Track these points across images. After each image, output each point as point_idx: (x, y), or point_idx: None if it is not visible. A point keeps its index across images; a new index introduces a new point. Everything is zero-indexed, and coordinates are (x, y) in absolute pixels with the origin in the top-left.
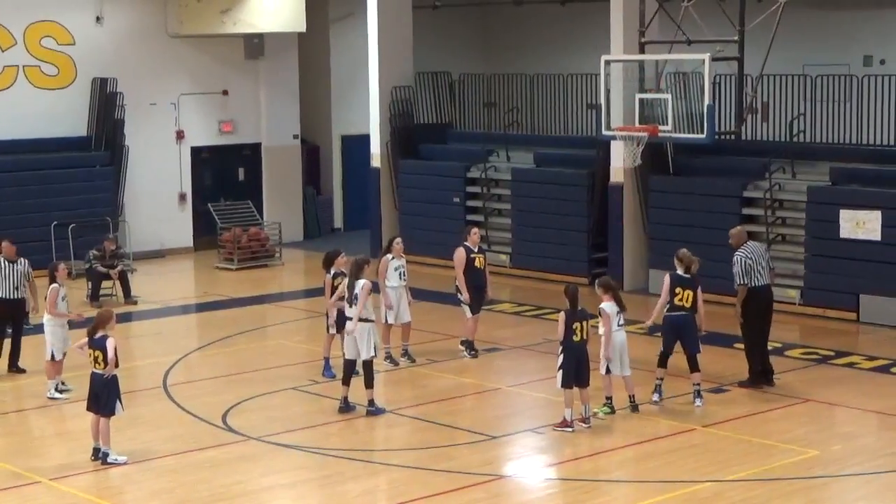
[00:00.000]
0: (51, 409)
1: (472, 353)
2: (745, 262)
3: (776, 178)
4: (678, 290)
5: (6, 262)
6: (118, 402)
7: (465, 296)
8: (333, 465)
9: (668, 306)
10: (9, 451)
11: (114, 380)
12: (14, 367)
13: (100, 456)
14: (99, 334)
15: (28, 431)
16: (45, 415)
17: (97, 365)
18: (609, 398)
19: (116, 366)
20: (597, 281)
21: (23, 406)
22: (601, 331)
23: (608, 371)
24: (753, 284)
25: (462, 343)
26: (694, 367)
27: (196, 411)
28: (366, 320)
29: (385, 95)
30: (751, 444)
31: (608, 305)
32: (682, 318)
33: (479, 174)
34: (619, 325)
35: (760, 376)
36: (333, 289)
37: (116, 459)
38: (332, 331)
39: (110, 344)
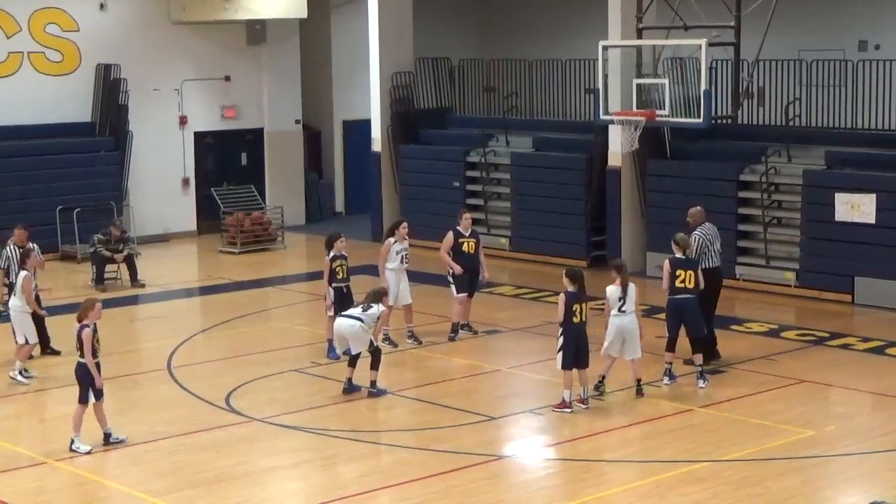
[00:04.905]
0: (56, 391)
1: (451, 336)
2: (702, 241)
3: (772, 162)
4: (679, 272)
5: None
6: (90, 391)
7: (455, 268)
8: (335, 446)
9: (670, 289)
10: (16, 433)
11: (84, 369)
12: (48, 350)
13: (111, 441)
14: (82, 322)
15: (34, 413)
16: (51, 397)
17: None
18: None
19: (95, 356)
20: (611, 263)
21: (30, 388)
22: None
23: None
24: (703, 265)
25: (451, 327)
26: (696, 349)
27: (200, 393)
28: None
29: (386, 81)
30: (747, 425)
31: (611, 289)
32: (684, 300)
33: (479, 159)
34: (620, 310)
35: (706, 353)
36: (332, 272)
37: (79, 448)
38: (331, 313)
39: (85, 335)
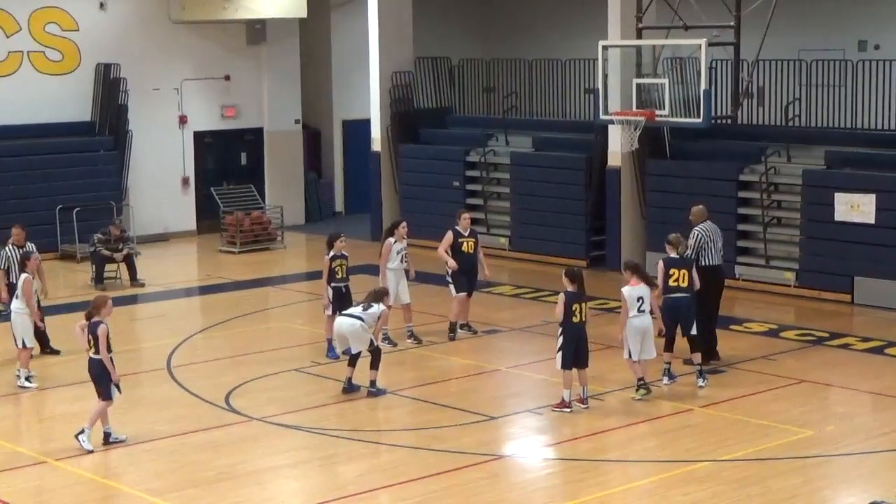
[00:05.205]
0: (55, 391)
1: (451, 335)
2: (701, 238)
3: (772, 162)
4: (673, 271)
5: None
6: (113, 386)
7: (450, 262)
8: (334, 446)
9: (664, 289)
10: (15, 432)
11: (99, 366)
12: (47, 349)
13: (110, 441)
14: (94, 319)
15: (34, 413)
16: (51, 396)
17: (91, 349)
18: (640, 380)
19: (109, 351)
20: (624, 263)
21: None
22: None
23: (629, 355)
24: (703, 263)
25: (450, 326)
26: (694, 347)
27: (199, 393)
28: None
29: (385, 80)
30: (747, 425)
31: (627, 290)
32: (679, 300)
33: (479, 158)
34: (639, 311)
35: (706, 353)
36: (331, 271)
37: (84, 442)
38: (328, 312)
39: (101, 331)
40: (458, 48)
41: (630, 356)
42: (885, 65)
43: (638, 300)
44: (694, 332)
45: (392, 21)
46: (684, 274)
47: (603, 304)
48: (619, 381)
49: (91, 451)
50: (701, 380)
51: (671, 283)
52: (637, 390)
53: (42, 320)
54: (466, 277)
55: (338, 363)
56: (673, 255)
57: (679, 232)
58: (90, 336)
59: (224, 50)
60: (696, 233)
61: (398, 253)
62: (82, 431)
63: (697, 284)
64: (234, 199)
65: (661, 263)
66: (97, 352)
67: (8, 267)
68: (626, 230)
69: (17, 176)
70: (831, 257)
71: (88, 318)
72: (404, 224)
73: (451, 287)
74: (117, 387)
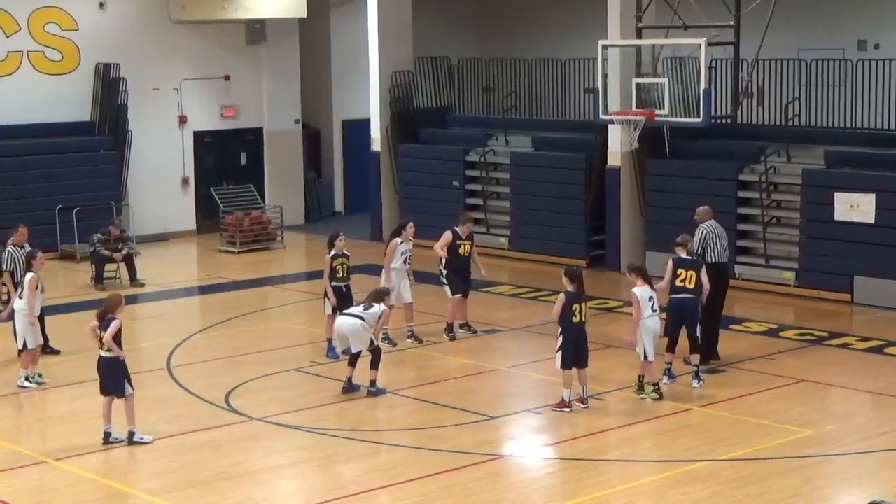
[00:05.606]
0: (55, 390)
1: (450, 335)
2: (706, 234)
3: (771, 162)
4: (680, 271)
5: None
6: (126, 382)
7: (442, 252)
8: (334, 446)
9: (670, 289)
10: (14, 432)
11: (117, 361)
12: (47, 349)
13: (110, 440)
14: (109, 316)
15: (33, 412)
16: (51, 396)
17: (103, 348)
18: (655, 384)
19: (120, 348)
20: (628, 266)
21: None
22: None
23: (645, 356)
24: (710, 260)
25: (446, 327)
26: (694, 348)
27: (199, 392)
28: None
29: (385, 80)
30: (746, 424)
31: (639, 291)
32: (685, 300)
33: (479, 158)
34: (653, 310)
35: (706, 352)
36: (332, 270)
37: (142, 438)
38: (329, 311)
39: (113, 325)
40: (457, 48)
41: (646, 357)
42: (885, 64)
43: (650, 300)
44: (697, 333)
45: (392, 21)
46: (692, 275)
47: (603, 303)
48: (618, 381)
49: (150, 442)
50: (696, 381)
51: (678, 283)
52: (651, 391)
53: (41, 319)
54: (462, 279)
55: (338, 363)
56: (683, 255)
57: (683, 234)
58: (101, 332)
59: (223, 50)
60: (702, 229)
61: (402, 254)
62: (132, 434)
63: (707, 286)
64: (233, 199)
65: (670, 262)
66: (109, 349)
67: (13, 268)
68: (626, 230)
69: (16, 176)
70: (831, 257)
71: (101, 318)
72: (412, 225)
73: (447, 289)
74: (129, 382)
